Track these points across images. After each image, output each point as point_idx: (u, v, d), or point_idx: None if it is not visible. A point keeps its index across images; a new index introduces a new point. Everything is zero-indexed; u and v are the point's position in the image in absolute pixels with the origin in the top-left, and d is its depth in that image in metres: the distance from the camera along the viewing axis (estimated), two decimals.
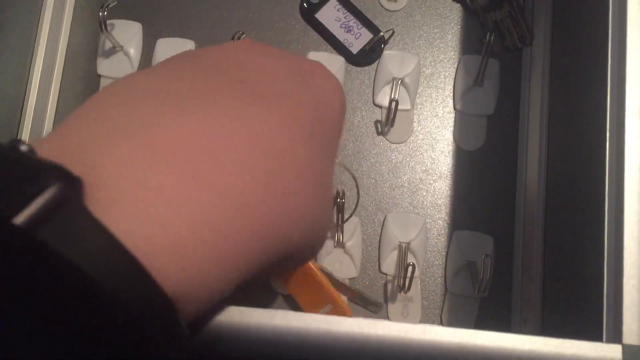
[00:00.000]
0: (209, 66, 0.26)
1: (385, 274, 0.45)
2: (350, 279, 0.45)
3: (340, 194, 0.44)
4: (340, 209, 0.44)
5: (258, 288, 0.45)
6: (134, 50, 0.48)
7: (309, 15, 0.49)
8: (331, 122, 0.28)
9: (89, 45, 0.49)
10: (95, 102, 0.23)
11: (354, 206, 0.45)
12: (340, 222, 0.44)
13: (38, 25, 0.47)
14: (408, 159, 0.47)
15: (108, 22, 0.46)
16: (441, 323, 0.45)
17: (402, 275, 0.43)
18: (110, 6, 0.46)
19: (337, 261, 0.45)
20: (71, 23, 0.49)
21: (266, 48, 0.29)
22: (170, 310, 0.19)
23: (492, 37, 0.45)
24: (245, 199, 0.21)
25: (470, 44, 0.48)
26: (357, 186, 0.46)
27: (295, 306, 0.43)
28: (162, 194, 0.20)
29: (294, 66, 0.28)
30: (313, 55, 0.48)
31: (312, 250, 0.29)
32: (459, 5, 0.49)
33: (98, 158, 0.20)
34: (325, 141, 0.27)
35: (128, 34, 0.48)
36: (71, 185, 0.18)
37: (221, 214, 0.21)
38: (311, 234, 0.26)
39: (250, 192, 0.22)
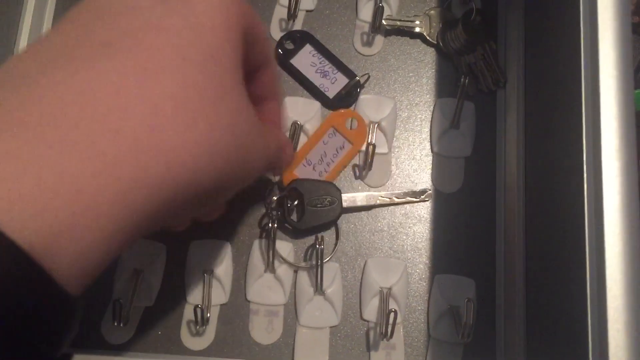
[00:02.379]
0: (88, 17, 0.26)
1: (367, 321, 0.44)
2: (331, 327, 0.44)
3: (319, 239, 0.43)
4: (319, 255, 0.43)
5: None
6: None
7: (284, 61, 0.49)
8: (211, 39, 0.27)
9: None
10: None
11: (334, 250, 0.45)
12: (319, 269, 0.43)
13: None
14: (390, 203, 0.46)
15: None
16: None
17: (384, 322, 0.42)
18: None
19: (317, 309, 0.44)
20: None
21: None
22: (27, 262, 0.19)
23: (467, 80, 0.46)
24: (97, 147, 0.22)
25: (445, 87, 0.49)
26: (336, 229, 0.45)
27: None
28: (4, 154, 0.20)
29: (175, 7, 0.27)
30: (289, 101, 0.47)
31: (238, 177, 0.28)
32: (432, 49, 0.49)
33: None
34: (207, 59, 0.26)
35: None
36: None
37: (69, 166, 0.21)
38: (212, 169, 0.26)
39: (102, 139, 0.22)
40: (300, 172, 0.46)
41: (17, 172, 0.20)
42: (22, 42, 0.48)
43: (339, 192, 0.45)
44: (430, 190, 0.46)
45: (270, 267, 0.44)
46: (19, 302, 0.19)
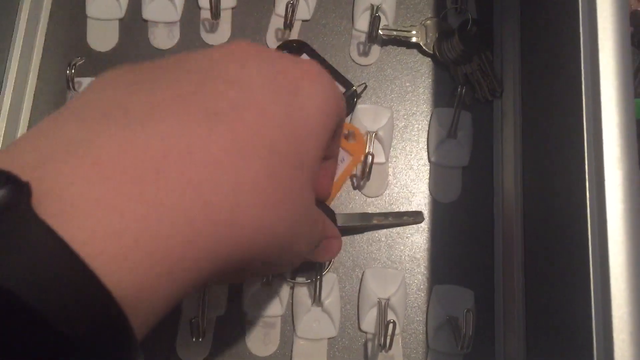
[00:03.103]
0: (175, 76, 0.26)
1: (365, 332, 0.44)
2: (329, 338, 0.43)
3: None
4: (318, 267, 0.43)
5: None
6: None
7: None
8: (307, 130, 0.28)
9: (55, 105, 0.48)
10: (53, 118, 0.24)
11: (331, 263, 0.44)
12: (317, 280, 0.43)
13: (2, 82, 0.46)
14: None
15: (76, 79, 0.45)
16: None
17: (383, 333, 0.41)
18: (78, 64, 0.45)
19: (315, 320, 0.44)
20: (36, 81, 0.49)
21: (259, 53, 0.28)
22: (120, 315, 0.20)
23: (464, 90, 0.46)
24: (189, 214, 0.22)
25: (442, 96, 0.49)
26: None
27: None
28: (101, 206, 0.20)
29: (279, 74, 0.28)
30: None
31: (282, 262, 0.30)
32: (429, 59, 0.49)
33: (46, 172, 0.20)
34: (293, 152, 0.27)
35: None
36: (20, 189, 0.19)
37: (162, 228, 0.21)
38: (275, 246, 0.26)
39: (194, 207, 0.22)
40: None
41: (120, 229, 0.20)
42: (16, 50, 0.47)
43: (332, 213, 0.44)
44: (424, 211, 0.46)
45: (267, 279, 0.44)
46: (104, 346, 0.20)
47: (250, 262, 0.26)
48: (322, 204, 0.42)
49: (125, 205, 0.21)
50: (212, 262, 0.24)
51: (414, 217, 0.46)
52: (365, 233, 0.45)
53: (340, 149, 0.45)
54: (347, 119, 0.47)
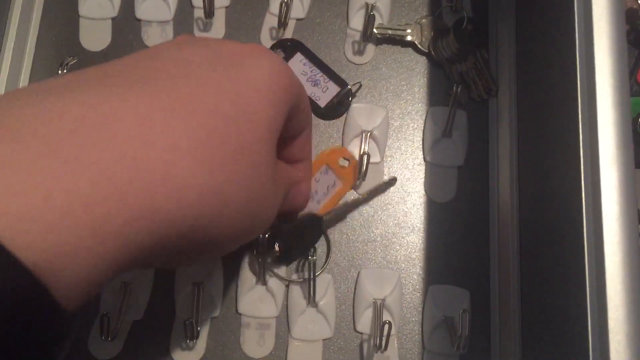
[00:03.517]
0: (118, 62, 0.27)
1: (361, 333, 0.43)
2: (324, 339, 0.43)
3: (312, 252, 0.43)
4: (312, 268, 0.42)
5: None
6: None
7: None
8: (251, 101, 0.28)
9: None
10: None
11: (326, 262, 0.44)
12: (312, 281, 0.42)
13: None
14: (380, 212, 0.46)
15: None
16: None
17: (379, 334, 0.41)
18: (70, 64, 0.45)
19: (310, 321, 0.43)
20: (28, 80, 0.48)
21: (200, 39, 0.30)
22: (34, 283, 0.19)
23: (459, 89, 0.45)
24: (112, 170, 0.21)
25: (437, 95, 0.48)
26: (327, 241, 0.45)
27: None
28: (3, 165, 0.20)
29: (223, 51, 0.29)
30: None
31: (245, 228, 0.29)
32: (424, 58, 0.49)
33: None
34: (241, 114, 0.27)
35: None
36: None
37: (80, 184, 0.21)
38: (229, 209, 0.26)
39: (119, 164, 0.22)
40: None
41: (27, 187, 0.19)
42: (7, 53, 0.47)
43: (319, 219, 0.44)
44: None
45: (261, 279, 0.43)
46: (18, 320, 0.19)
47: (203, 228, 0.25)
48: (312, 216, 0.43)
49: (32, 162, 0.20)
50: (150, 224, 0.23)
51: (389, 182, 0.46)
52: (360, 234, 0.45)
53: (332, 174, 0.45)
54: (342, 119, 0.47)
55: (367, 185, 0.46)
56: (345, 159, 0.46)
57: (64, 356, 0.22)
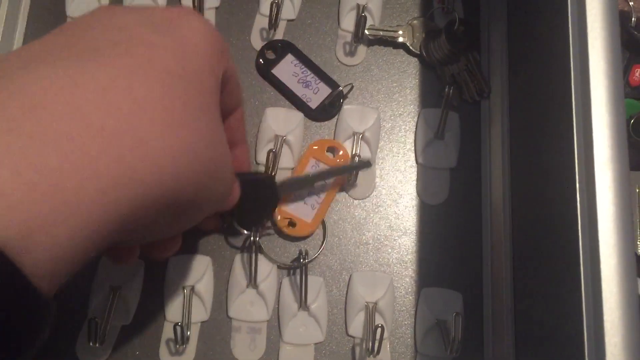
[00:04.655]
0: (60, 34, 0.27)
1: (353, 337, 0.43)
2: (315, 343, 0.43)
3: (304, 254, 0.42)
4: (304, 270, 0.42)
5: None
6: None
7: (265, 71, 0.48)
8: (195, 61, 0.28)
9: None
10: None
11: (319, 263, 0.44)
12: (304, 283, 0.42)
13: None
14: (372, 215, 0.45)
15: None
16: None
17: (371, 338, 0.40)
18: None
19: (302, 325, 0.43)
20: None
21: (123, 8, 0.29)
22: (2, 257, 0.18)
23: (451, 91, 0.45)
24: (79, 140, 0.21)
25: (429, 97, 0.48)
26: (323, 226, 0.45)
27: None
28: None
29: (154, 16, 0.29)
30: (270, 111, 0.46)
31: (211, 193, 0.29)
32: (416, 59, 0.49)
33: None
34: (191, 73, 0.27)
35: None
36: None
37: (48, 157, 0.20)
38: (199, 166, 0.26)
39: (84, 133, 0.21)
40: (295, 209, 0.45)
41: None
42: None
43: (271, 178, 0.43)
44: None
45: (252, 282, 0.43)
46: None
47: (179, 189, 0.25)
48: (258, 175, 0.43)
49: (0, 135, 0.20)
50: (126, 191, 0.22)
51: (361, 164, 0.45)
52: (352, 237, 0.45)
53: (324, 165, 0.44)
54: (333, 121, 0.47)
55: (358, 187, 0.45)
56: (331, 149, 0.46)
57: (43, 340, 0.21)
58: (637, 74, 0.49)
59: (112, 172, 0.22)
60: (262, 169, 0.45)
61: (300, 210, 0.44)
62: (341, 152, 0.45)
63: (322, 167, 0.45)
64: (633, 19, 0.49)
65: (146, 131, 0.23)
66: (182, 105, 0.26)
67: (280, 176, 0.45)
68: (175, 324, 0.40)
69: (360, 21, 0.47)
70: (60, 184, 0.20)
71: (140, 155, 0.23)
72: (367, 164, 0.45)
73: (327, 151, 0.46)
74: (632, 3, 0.49)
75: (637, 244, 0.45)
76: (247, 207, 0.39)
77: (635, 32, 0.49)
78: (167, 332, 0.42)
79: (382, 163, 0.47)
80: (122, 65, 0.24)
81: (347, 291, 0.44)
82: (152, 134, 0.24)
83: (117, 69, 0.24)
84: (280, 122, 0.46)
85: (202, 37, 0.29)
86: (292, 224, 0.44)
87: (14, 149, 0.20)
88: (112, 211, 0.22)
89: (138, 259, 0.38)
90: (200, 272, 0.43)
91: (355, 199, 0.46)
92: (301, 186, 0.44)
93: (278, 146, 0.45)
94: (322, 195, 0.45)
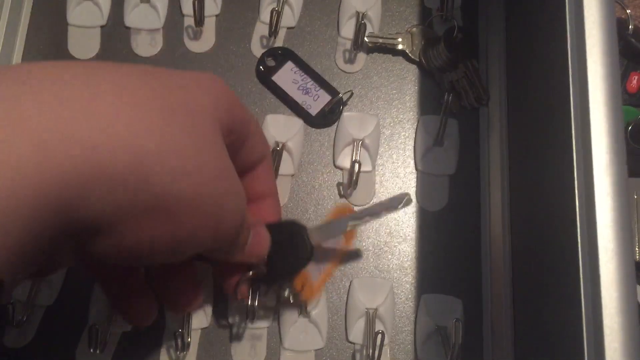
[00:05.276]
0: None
1: (353, 343, 0.43)
2: (316, 350, 0.43)
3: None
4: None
5: None
6: None
7: (265, 78, 0.48)
8: (201, 111, 0.28)
9: None
10: None
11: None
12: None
13: None
14: (371, 221, 0.45)
15: None
16: None
17: (371, 344, 0.41)
18: None
19: (302, 331, 0.43)
20: None
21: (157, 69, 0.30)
22: None
23: (450, 98, 0.45)
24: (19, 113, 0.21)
25: (428, 104, 0.48)
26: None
27: None
28: None
29: (179, 74, 0.30)
30: (270, 118, 0.47)
31: (210, 222, 0.28)
32: (415, 66, 0.49)
33: None
34: (190, 102, 0.28)
35: None
36: None
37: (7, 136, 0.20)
38: (170, 175, 0.25)
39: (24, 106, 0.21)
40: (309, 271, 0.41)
41: None
42: None
43: (304, 228, 0.38)
44: (408, 196, 0.39)
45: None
46: None
47: (158, 185, 0.24)
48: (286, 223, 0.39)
49: None
50: (58, 151, 0.21)
51: (402, 202, 0.38)
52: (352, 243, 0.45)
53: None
54: (333, 128, 0.47)
55: (357, 193, 0.46)
56: None
57: None
58: (634, 81, 0.49)
59: (42, 128, 0.21)
60: None
61: (310, 271, 0.41)
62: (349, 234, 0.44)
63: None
64: (630, 27, 0.49)
65: (103, 99, 0.24)
66: (171, 112, 0.26)
67: (281, 184, 0.45)
68: (176, 331, 0.40)
69: (360, 28, 0.47)
70: (8, 156, 0.20)
71: (87, 121, 0.23)
72: (407, 200, 0.38)
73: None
74: (630, 11, 0.49)
75: (636, 250, 0.45)
76: (277, 260, 0.37)
77: (633, 40, 0.49)
78: (168, 338, 0.42)
79: (381, 169, 0.47)
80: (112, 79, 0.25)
81: (347, 297, 0.44)
82: (108, 103, 0.24)
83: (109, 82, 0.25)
84: (280, 128, 0.46)
85: (211, 94, 0.30)
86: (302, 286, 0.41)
87: None
88: (48, 174, 0.21)
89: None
90: (200, 277, 0.43)
91: (356, 206, 0.46)
92: (335, 233, 0.40)
93: (278, 153, 0.45)
94: (329, 258, 0.43)
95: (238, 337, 0.43)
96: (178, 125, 0.26)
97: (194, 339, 0.42)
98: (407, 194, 0.38)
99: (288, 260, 0.38)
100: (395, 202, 0.38)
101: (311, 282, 0.41)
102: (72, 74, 0.24)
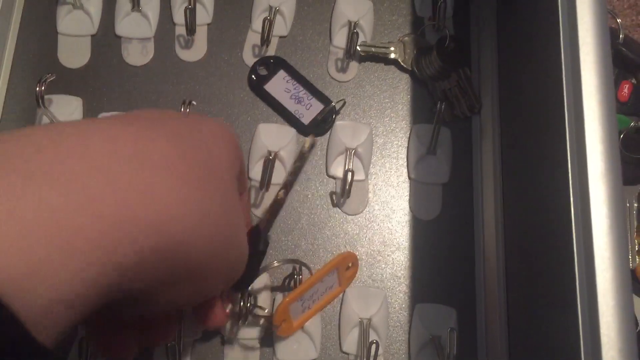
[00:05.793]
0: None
1: (347, 354, 0.43)
2: None
3: (297, 270, 0.42)
4: (297, 285, 0.42)
5: None
6: None
7: (257, 86, 0.48)
8: (224, 172, 0.30)
9: (24, 121, 0.46)
10: None
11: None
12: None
13: None
14: (365, 230, 0.45)
15: (46, 97, 0.44)
16: None
17: (365, 355, 0.40)
18: (48, 81, 0.44)
19: (295, 342, 0.42)
20: (4, 98, 0.47)
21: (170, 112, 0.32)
22: None
23: (443, 106, 0.45)
24: (82, 187, 0.21)
25: (421, 113, 0.48)
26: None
27: None
28: None
29: (188, 122, 0.30)
30: (263, 127, 0.46)
31: (218, 264, 0.28)
32: (407, 75, 0.49)
33: None
34: (223, 190, 0.29)
35: (67, 110, 0.46)
36: None
37: (52, 196, 0.20)
38: (202, 237, 0.26)
39: (85, 180, 0.21)
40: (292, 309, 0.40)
41: None
42: None
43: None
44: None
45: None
46: None
47: (185, 243, 0.25)
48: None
49: None
50: (129, 235, 0.22)
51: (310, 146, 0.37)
52: (345, 251, 0.44)
53: (335, 277, 0.42)
54: (326, 137, 0.47)
55: (350, 202, 0.45)
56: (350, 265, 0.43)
57: None
58: (625, 90, 0.49)
59: (112, 213, 0.21)
60: (255, 184, 0.45)
61: (293, 309, 0.40)
62: (351, 264, 0.43)
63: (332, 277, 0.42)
64: (621, 36, 0.49)
65: (153, 179, 0.24)
66: (196, 166, 0.27)
67: (273, 194, 0.44)
68: (168, 343, 0.40)
69: (352, 37, 0.47)
70: (60, 223, 0.20)
71: (145, 201, 0.23)
72: (312, 143, 0.37)
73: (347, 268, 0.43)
74: (620, 20, 0.49)
75: (630, 258, 0.45)
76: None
77: (623, 49, 0.50)
78: (159, 351, 0.42)
79: (374, 178, 0.47)
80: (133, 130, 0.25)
81: (340, 307, 0.43)
82: (159, 184, 0.24)
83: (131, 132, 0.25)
84: (272, 137, 0.46)
85: (219, 143, 0.30)
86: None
87: (10, 189, 0.19)
88: (112, 254, 0.21)
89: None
90: None
91: (349, 215, 0.45)
92: (276, 213, 0.39)
93: (270, 162, 0.45)
94: (317, 302, 0.42)
95: (231, 349, 0.42)
96: (210, 196, 0.27)
97: (185, 351, 0.42)
98: (310, 135, 0.37)
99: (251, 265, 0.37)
100: (302, 148, 0.37)
101: (291, 320, 0.40)
102: (121, 144, 0.24)
